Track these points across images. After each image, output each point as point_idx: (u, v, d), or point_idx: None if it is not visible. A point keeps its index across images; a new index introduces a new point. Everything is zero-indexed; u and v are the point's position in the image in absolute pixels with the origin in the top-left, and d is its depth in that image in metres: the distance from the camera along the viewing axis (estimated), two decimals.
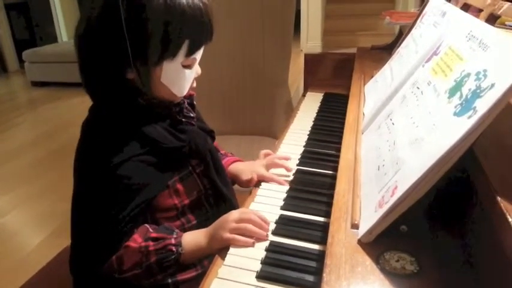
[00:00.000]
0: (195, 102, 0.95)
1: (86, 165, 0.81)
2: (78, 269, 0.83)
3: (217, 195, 0.92)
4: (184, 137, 0.86)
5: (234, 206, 0.94)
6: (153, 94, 0.82)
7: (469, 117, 0.49)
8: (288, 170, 1.02)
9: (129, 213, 0.77)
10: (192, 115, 0.92)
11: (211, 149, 0.93)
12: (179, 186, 0.85)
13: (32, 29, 6.22)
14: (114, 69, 0.78)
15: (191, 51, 0.79)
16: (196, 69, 0.86)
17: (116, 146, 0.78)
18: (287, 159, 1.06)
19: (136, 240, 0.77)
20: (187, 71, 0.82)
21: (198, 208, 0.90)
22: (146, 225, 0.81)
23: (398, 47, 1.20)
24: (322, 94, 1.63)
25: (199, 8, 0.77)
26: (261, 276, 0.68)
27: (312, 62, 1.74)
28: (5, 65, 5.60)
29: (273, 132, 1.94)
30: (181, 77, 0.82)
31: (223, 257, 0.74)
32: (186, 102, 0.90)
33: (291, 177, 1.01)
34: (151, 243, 0.77)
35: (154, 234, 0.78)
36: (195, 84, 0.88)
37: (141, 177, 0.79)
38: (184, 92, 0.85)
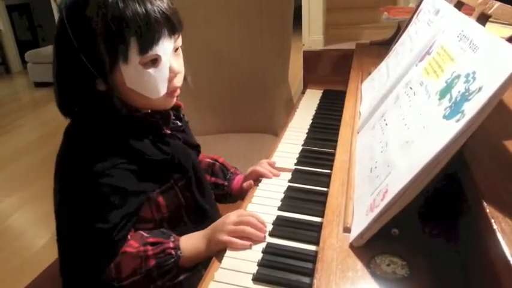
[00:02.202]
0: (182, 115, 0.93)
1: (70, 173, 0.79)
2: (72, 281, 0.82)
3: (199, 210, 0.92)
4: (167, 150, 0.85)
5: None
6: (128, 102, 0.81)
7: (457, 120, 0.49)
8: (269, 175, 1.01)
9: (121, 221, 0.77)
10: (179, 124, 0.91)
11: (195, 164, 0.92)
12: (160, 200, 0.85)
13: (34, 29, 6.24)
14: (83, 84, 0.77)
15: (144, 49, 0.74)
16: (172, 67, 0.80)
17: (100, 154, 0.77)
18: (277, 175, 1.02)
19: (133, 245, 0.77)
20: (151, 70, 0.77)
21: (177, 221, 0.89)
22: (140, 231, 0.81)
23: (395, 43, 1.20)
24: (322, 91, 1.63)
25: (139, 1, 0.73)
26: (257, 279, 0.69)
27: (310, 59, 1.73)
28: (8, 66, 5.63)
29: (274, 130, 1.93)
30: (146, 78, 0.77)
31: (220, 260, 0.74)
32: (172, 114, 0.88)
33: (289, 177, 1.01)
34: (149, 247, 0.77)
35: (151, 239, 0.78)
36: (178, 84, 0.84)
37: (128, 185, 0.78)
38: (160, 93, 0.80)
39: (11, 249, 2.10)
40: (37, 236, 2.19)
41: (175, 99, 0.86)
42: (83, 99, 0.79)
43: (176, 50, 0.83)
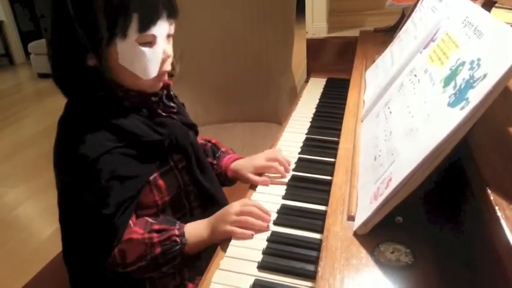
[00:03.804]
0: (172, 93, 0.92)
1: (66, 162, 0.79)
2: (77, 268, 0.84)
3: (200, 191, 0.92)
4: (163, 131, 0.84)
5: (220, 203, 0.93)
6: (117, 80, 0.80)
7: (462, 108, 0.49)
8: (283, 176, 0.96)
9: (121, 205, 0.77)
10: (172, 104, 0.90)
11: (193, 143, 0.92)
12: (160, 182, 0.85)
13: (37, 20, 6.20)
14: (74, 57, 0.76)
15: (144, 27, 0.75)
16: (164, 50, 0.81)
17: (94, 140, 0.76)
18: (289, 163, 1.00)
19: (138, 232, 0.78)
20: (146, 49, 0.77)
21: (177, 205, 0.89)
22: (146, 217, 0.81)
23: (399, 30, 1.19)
24: (325, 79, 1.62)
25: None
26: (262, 267, 0.69)
27: (314, 47, 1.72)
28: (11, 57, 5.62)
29: (278, 119, 1.93)
30: (140, 56, 0.77)
31: (225, 249, 0.75)
32: (164, 92, 0.88)
33: (293, 166, 1.01)
34: (155, 234, 0.77)
35: (157, 226, 0.79)
36: (168, 68, 0.84)
37: (125, 169, 0.78)
38: (151, 74, 0.80)
39: (18, 239, 2.13)
40: (44, 226, 2.21)
41: (161, 83, 0.86)
42: (73, 73, 0.78)
43: (169, 36, 0.83)
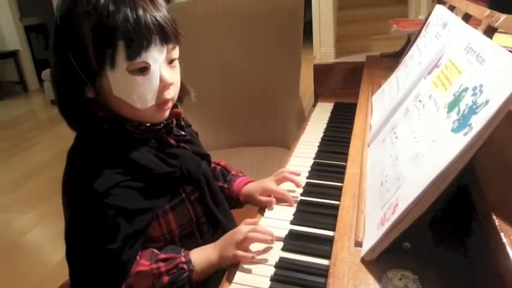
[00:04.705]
0: (183, 123, 0.90)
1: (75, 195, 0.77)
2: None
3: (212, 223, 0.91)
4: (175, 162, 0.83)
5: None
6: (117, 112, 0.78)
7: (465, 134, 0.49)
8: (297, 185, 1.00)
9: (129, 240, 0.76)
10: (183, 133, 0.88)
11: (206, 173, 0.90)
12: (170, 216, 0.83)
13: None
14: (74, 89, 0.75)
15: (132, 55, 0.71)
16: (163, 77, 0.76)
17: (102, 173, 0.74)
18: (297, 174, 1.02)
19: (144, 264, 0.77)
20: (139, 78, 0.73)
21: (188, 238, 0.87)
22: (151, 248, 0.80)
23: (405, 55, 1.20)
24: (333, 104, 1.63)
25: (131, 3, 0.71)
26: None
27: (321, 72, 1.74)
28: (25, 85, 5.76)
29: (286, 143, 1.94)
30: (133, 85, 0.74)
31: (232, 275, 0.74)
32: (174, 122, 0.85)
33: (301, 191, 1.01)
34: (161, 264, 0.76)
35: (163, 255, 0.78)
36: (169, 96, 0.79)
37: (134, 203, 0.76)
38: (148, 103, 0.76)
39: (27, 264, 2.13)
40: (53, 252, 2.21)
41: (167, 112, 0.82)
42: (75, 104, 0.77)
43: (171, 62, 0.79)
